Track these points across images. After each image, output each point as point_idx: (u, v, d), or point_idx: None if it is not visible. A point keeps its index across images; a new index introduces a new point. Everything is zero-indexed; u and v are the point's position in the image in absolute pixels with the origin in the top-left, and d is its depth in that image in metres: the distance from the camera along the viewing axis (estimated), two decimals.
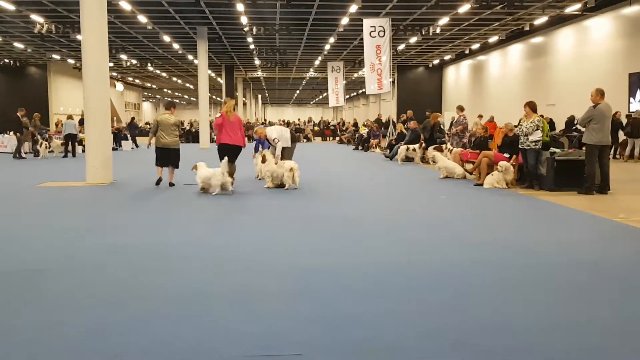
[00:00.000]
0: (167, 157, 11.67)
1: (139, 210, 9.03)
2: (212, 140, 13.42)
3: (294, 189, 10.99)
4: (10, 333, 3.78)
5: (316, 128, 42.65)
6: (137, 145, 28.26)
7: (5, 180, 13.52)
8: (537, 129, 10.92)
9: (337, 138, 37.17)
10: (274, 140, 11.68)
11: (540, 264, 5.58)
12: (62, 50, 32.21)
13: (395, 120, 25.17)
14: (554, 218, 8.49)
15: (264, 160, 11.51)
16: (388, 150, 20.82)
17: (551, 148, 11.53)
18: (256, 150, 12.35)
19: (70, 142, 20.81)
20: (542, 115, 11.93)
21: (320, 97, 69.73)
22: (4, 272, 5.26)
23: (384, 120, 28.24)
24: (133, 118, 35.20)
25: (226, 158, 10.45)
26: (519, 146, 11.33)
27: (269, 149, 12.02)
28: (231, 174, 10.72)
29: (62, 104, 40.60)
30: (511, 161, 11.60)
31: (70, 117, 21.73)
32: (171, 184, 11.72)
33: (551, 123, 18.57)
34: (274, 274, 5.16)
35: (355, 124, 36.19)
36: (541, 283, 4.94)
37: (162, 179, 11.69)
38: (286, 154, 11.85)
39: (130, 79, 53.69)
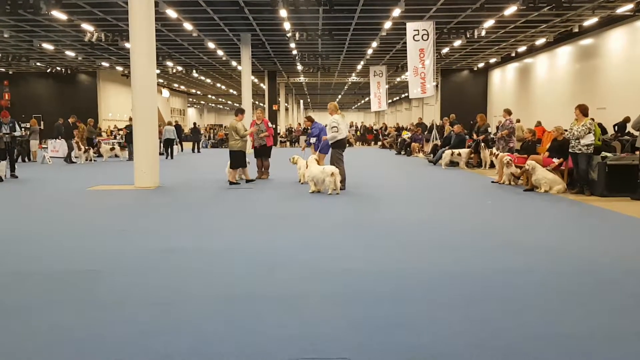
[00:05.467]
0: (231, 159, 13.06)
1: (184, 213, 9.16)
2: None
3: (336, 193, 10.99)
4: (62, 332, 3.89)
5: (358, 133, 42.52)
6: (199, 150, 29.76)
7: (59, 184, 13.97)
8: (589, 133, 10.60)
9: (379, 143, 36.98)
10: (332, 128, 11.83)
11: (591, 271, 5.41)
12: (111, 57, 33.09)
13: (437, 124, 24.90)
14: (605, 225, 8.21)
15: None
16: (431, 155, 20.56)
17: (603, 152, 11.16)
18: (316, 148, 12.50)
19: (169, 146, 23.66)
20: (592, 119, 11.56)
21: (362, 101, 69.52)
22: (56, 272, 5.44)
23: (427, 124, 27.96)
24: (195, 123, 35.85)
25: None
26: (570, 150, 11.01)
27: (310, 145, 12.79)
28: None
29: (110, 110, 41.75)
30: (561, 166, 11.28)
31: (169, 123, 25.24)
32: (248, 181, 13.36)
33: (603, 128, 17.94)
34: (320, 278, 5.16)
35: (398, 129, 35.89)
36: (593, 291, 4.78)
37: (233, 181, 12.89)
38: (324, 157, 12.29)
39: (176, 85, 54.75)
